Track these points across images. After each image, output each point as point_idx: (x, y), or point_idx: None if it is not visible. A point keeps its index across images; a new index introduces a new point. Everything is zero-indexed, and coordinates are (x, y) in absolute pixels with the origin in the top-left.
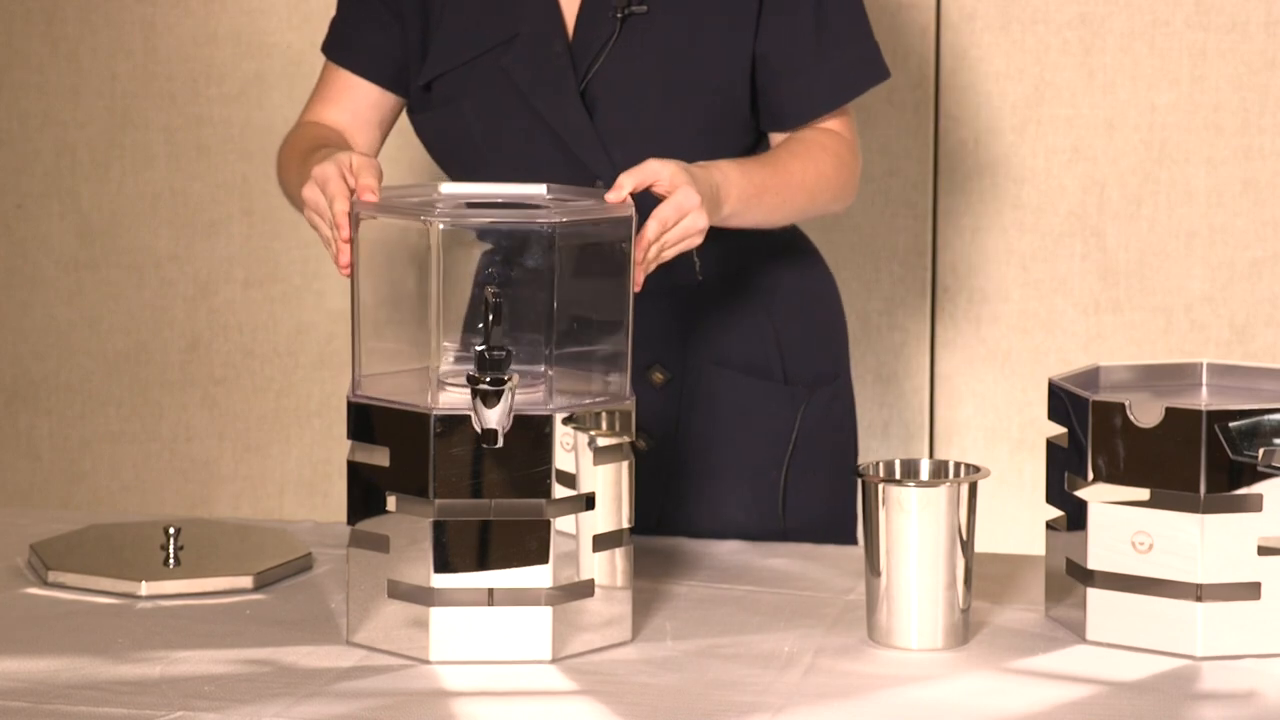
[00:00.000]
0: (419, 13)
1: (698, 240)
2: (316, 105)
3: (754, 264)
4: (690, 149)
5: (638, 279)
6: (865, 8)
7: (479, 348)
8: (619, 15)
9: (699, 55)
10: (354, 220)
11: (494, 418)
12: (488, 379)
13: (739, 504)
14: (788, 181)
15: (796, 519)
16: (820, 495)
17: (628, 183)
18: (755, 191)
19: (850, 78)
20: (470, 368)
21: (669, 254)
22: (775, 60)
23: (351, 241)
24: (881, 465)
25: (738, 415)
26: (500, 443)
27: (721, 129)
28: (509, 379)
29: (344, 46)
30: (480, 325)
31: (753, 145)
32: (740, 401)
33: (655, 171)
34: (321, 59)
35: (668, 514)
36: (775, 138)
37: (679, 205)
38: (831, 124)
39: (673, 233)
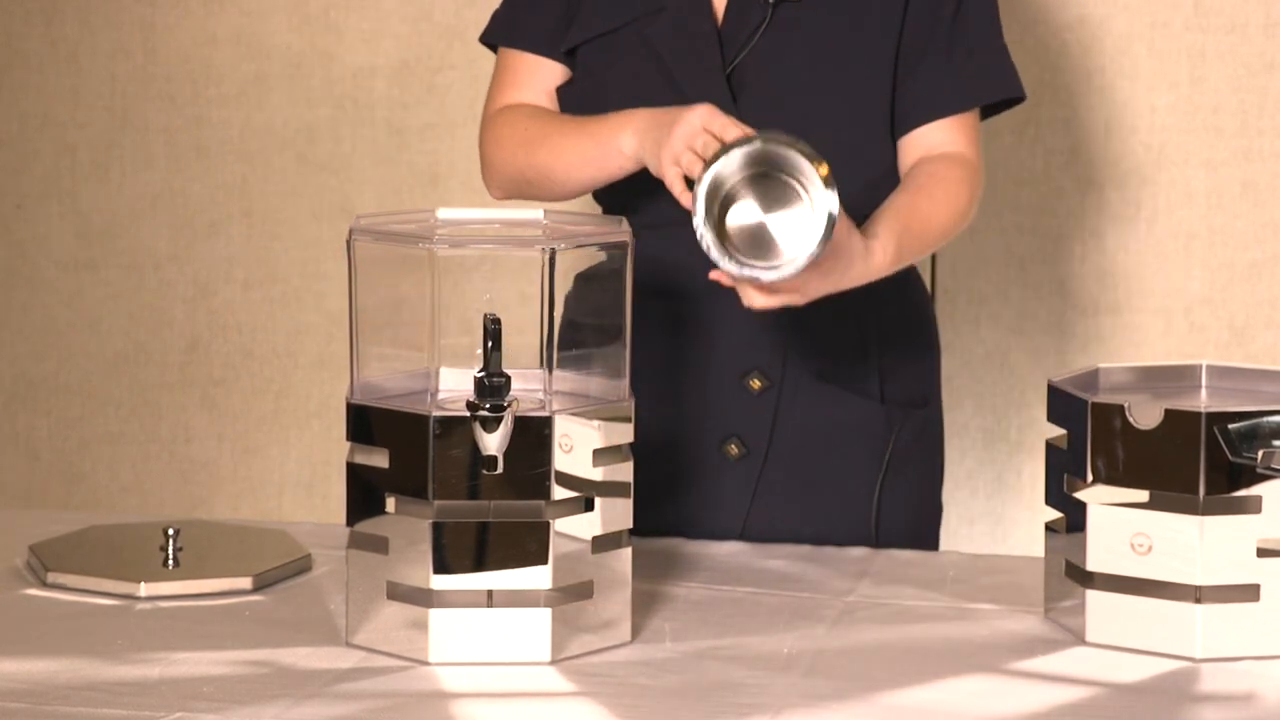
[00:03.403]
0: None
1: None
2: (507, 92)
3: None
4: (829, 147)
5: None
6: (1001, 26)
7: (478, 374)
8: (771, 2)
9: (847, 51)
10: (352, 246)
11: (494, 443)
12: (487, 405)
13: (827, 520)
14: (926, 229)
15: (886, 539)
16: (905, 519)
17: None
18: (900, 256)
19: (973, 88)
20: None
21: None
22: (906, 59)
23: (350, 265)
24: None
25: (834, 430)
26: (500, 468)
27: (861, 124)
28: (508, 404)
29: (521, 31)
30: (481, 350)
31: (892, 155)
32: (837, 417)
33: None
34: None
35: (752, 523)
36: (902, 147)
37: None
38: (961, 144)
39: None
